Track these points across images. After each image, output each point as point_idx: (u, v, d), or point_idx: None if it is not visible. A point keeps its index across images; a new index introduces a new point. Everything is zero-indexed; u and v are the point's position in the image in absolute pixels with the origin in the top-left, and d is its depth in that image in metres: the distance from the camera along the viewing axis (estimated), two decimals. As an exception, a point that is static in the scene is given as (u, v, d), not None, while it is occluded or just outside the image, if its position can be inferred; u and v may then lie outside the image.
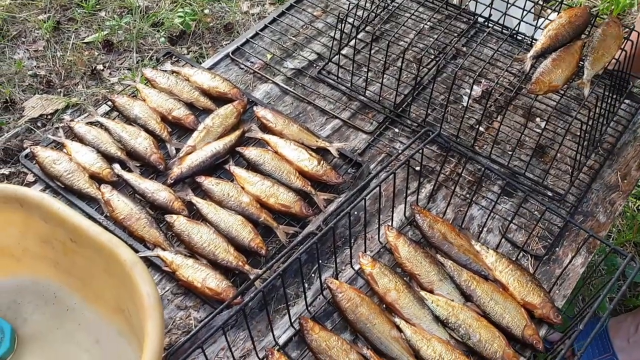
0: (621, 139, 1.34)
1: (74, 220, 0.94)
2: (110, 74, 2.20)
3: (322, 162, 1.24)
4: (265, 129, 1.32)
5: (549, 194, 1.23)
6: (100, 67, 2.22)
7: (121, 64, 2.23)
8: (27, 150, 1.27)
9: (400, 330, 1.03)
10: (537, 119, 1.38)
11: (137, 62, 2.22)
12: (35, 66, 2.21)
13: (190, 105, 1.36)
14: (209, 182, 1.21)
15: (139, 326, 0.89)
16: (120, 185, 1.22)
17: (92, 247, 0.93)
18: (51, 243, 1.01)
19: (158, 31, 2.32)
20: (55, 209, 0.94)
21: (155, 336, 0.80)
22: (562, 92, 1.23)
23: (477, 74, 1.23)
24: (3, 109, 2.05)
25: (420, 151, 1.12)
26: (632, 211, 1.70)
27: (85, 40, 2.30)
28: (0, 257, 1.05)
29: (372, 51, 1.48)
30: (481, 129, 1.36)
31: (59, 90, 2.13)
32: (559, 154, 1.30)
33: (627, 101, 1.41)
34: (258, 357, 1.01)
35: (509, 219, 1.18)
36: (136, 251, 1.12)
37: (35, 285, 1.07)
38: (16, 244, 1.05)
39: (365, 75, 1.41)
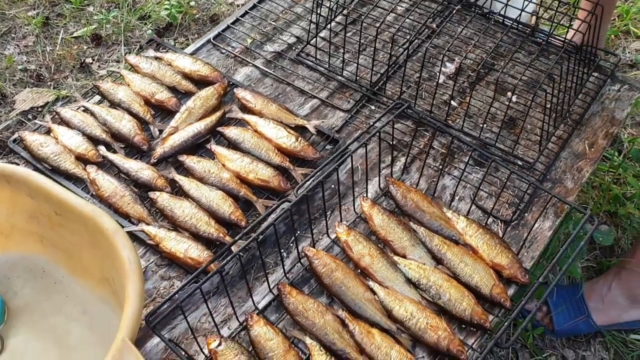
0: (589, 110, 1.39)
1: (58, 193, 0.98)
2: (99, 66, 2.24)
3: (299, 138, 1.29)
4: (245, 109, 1.37)
5: (519, 163, 1.28)
6: (89, 60, 2.26)
7: (109, 56, 2.27)
8: (16, 135, 1.32)
9: (373, 292, 1.07)
10: (509, 94, 1.43)
11: (125, 55, 2.26)
12: (25, 61, 2.25)
13: (172, 89, 1.40)
14: (190, 160, 1.25)
15: (121, 292, 0.93)
16: (105, 165, 1.27)
17: (77, 218, 0.97)
18: (37, 218, 1.06)
19: (145, 24, 2.36)
20: (41, 184, 0.99)
21: (135, 296, 0.85)
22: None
23: (446, 50, 1.27)
24: (-6, 103, 2.10)
25: (392, 123, 1.17)
26: (608, 184, 1.75)
27: (74, 35, 2.34)
28: (-13, 234, 1.10)
29: (350, 33, 1.53)
30: (454, 104, 1.41)
31: (49, 83, 2.17)
32: (529, 126, 1.35)
33: (595, 74, 1.45)
34: (238, 321, 1.06)
35: (480, 187, 1.22)
36: (121, 226, 1.16)
37: (24, 261, 1.12)
38: (4, 221, 1.09)
39: (343, 56, 1.45)
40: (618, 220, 1.74)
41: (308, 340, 1.02)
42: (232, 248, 1.04)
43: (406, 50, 1.43)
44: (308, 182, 1.17)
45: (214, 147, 1.29)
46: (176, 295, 0.99)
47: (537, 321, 1.60)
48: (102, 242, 0.95)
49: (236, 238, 1.01)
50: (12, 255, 1.12)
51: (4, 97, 2.12)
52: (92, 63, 2.26)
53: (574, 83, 1.35)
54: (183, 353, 0.89)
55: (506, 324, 0.88)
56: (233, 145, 1.29)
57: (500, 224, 1.19)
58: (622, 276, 1.53)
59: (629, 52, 2.16)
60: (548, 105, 1.23)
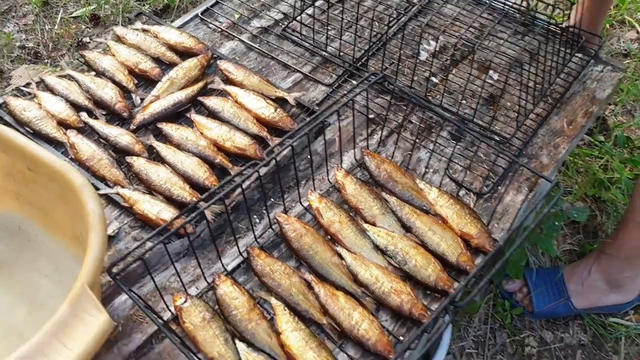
0: (570, 90, 1.39)
1: (30, 148, 1.00)
2: (95, 46, 2.26)
3: (278, 109, 1.30)
4: (227, 81, 1.38)
5: (496, 138, 1.29)
6: (86, 39, 2.29)
7: (107, 36, 2.30)
8: (0, 101, 1.34)
9: (341, 257, 1.08)
10: (491, 72, 1.43)
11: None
12: (24, 39, 2.29)
13: (157, 60, 1.42)
14: (169, 128, 1.27)
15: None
16: (86, 131, 1.29)
17: (48, 173, 0.99)
18: (13, 175, 1.08)
19: (143, 5, 2.39)
20: (14, 139, 1.01)
21: (96, 245, 0.87)
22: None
23: (424, 23, 1.28)
24: (-8, 78, 2.13)
25: (366, 94, 1.18)
26: (590, 164, 1.75)
27: (73, 15, 2.38)
28: (-33, 192, 1.13)
29: (337, 11, 1.54)
30: (436, 80, 1.41)
31: (46, 61, 2.21)
32: (509, 103, 1.35)
33: (579, 55, 1.45)
34: (206, 282, 1.07)
35: (455, 160, 1.23)
36: (97, 189, 1.18)
37: (1, 219, 1.14)
38: (-17, 179, 1.12)
39: (329, 32, 1.46)
40: (603, 205, 1.74)
41: (273, 301, 1.03)
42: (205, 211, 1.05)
43: (388, 27, 1.44)
44: (279, 147, 1.18)
45: (193, 115, 1.30)
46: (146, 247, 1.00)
47: (516, 302, 1.61)
48: (71, 198, 0.96)
49: (203, 196, 1.02)
50: (-11, 213, 1.14)
51: (1, 72, 2.15)
52: (89, 42, 2.28)
53: (555, 62, 1.35)
54: (141, 302, 0.90)
55: (463, 283, 0.88)
56: (212, 114, 1.31)
57: (472, 196, 1.20)
58: (602, 261, 1.53)
59: (623, 42, 2.15)
60: (526, 82, 1.23)
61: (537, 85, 1.31)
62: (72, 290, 0.82)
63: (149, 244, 0.97)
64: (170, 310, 1.03)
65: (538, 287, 1.56)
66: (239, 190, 1.14)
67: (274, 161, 1.09)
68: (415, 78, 1.38)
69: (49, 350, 0.78)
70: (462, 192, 1.21)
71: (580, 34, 1.44)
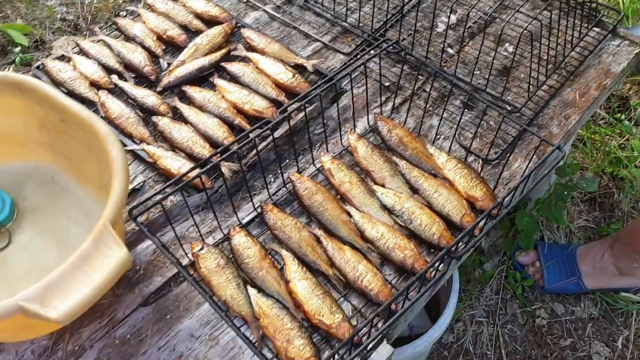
0: (585, 63, 1.40)
1: (62, 100, 1.08)
2: (133, 19, 2.35)
3: (296, 75, 1.36)
4: (250, 48, 1.44)
5: (508, 107, 1.31)
6: (123, 13, 2.38)
7: (139, 5, 2.39)
8: (39, 62, 1.43)
9: (350, 215, 1.14)
10: (507, 44, 1.45)
11: None
12: (65, 11, 2.39)
13: (184, 27, 1.49)
14: (192, 90, 1.34)
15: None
16: (116, 92, 1.37)
17: (76, 123, 1.06)
18: (47, 128, 1.16)
19: (177, -20, 2.46)
20: (47, 91, 1.09)
21: (118, 187, 0.94)
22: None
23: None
24: (34, 48, 2.24)
25: (378, 58, 1.22)
26: (615, 148, 1.75)
27: (111, -11, 2.47)
28: (8, 143, 1.21)
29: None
30: (452, 51, 1.45)
31: (84, 33, 2.31)
32: (522, 75, 1.38)
33: (597, 29, 1.46)
34: (222, 233, 1.14)
35: (465, 128, 1.27)
36: (125, 145, 1.26)
37: (36, 170, 1.23)
38: (21, 131, 1.20)
39: (350, 3, 1.51)
40: (620, 183, 1.75)
41: (284, 252, 1.09)
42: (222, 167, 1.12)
43: (414, 1, 1.47)
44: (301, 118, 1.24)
45: (216, 80, 1.37)
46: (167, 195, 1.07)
47: (528, 275, 1.64)
48: (97, 147, 1.03)
49: (218, 150, 1.09)
50: (27, 164, 1.23)
51: (43, 42, 2.26)
52: (125, 16, 2.37)
53: (570, 35, 1.37)
54: (158, 241, 0.97)
55: (461, 235, 0.93)
56: (234, 78, 1.37)
57: (480, 162, 1.23)
58: (614, 249, 1.54)
59: (652, 22, 2.13)
60: (536, 52, 1.26)
61: (550, 58, 1.33)
62: (95, 228, 0.90)
63: (167, 191, 1.04)
64: (188, 257, 1.10)
65: (549, 259, 1.58)
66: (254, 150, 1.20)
67: (288, 121, 1.14)
68: (432, 49, 1.42)
69: (72, 278, 0.86)
70: (471, 159, 1.24)
71: (599, 8, 1.45)
